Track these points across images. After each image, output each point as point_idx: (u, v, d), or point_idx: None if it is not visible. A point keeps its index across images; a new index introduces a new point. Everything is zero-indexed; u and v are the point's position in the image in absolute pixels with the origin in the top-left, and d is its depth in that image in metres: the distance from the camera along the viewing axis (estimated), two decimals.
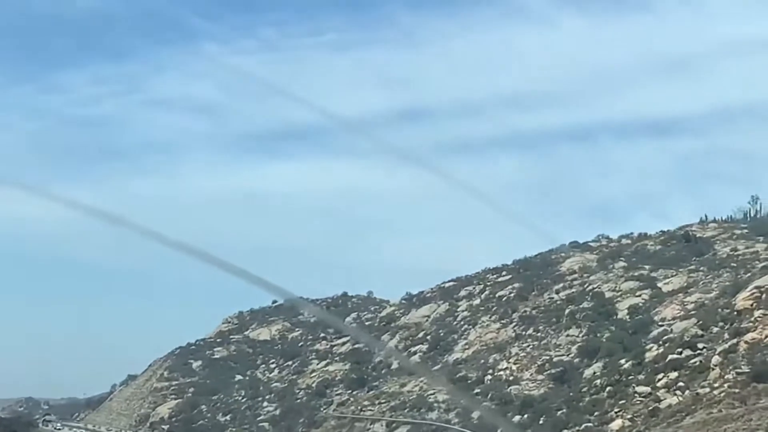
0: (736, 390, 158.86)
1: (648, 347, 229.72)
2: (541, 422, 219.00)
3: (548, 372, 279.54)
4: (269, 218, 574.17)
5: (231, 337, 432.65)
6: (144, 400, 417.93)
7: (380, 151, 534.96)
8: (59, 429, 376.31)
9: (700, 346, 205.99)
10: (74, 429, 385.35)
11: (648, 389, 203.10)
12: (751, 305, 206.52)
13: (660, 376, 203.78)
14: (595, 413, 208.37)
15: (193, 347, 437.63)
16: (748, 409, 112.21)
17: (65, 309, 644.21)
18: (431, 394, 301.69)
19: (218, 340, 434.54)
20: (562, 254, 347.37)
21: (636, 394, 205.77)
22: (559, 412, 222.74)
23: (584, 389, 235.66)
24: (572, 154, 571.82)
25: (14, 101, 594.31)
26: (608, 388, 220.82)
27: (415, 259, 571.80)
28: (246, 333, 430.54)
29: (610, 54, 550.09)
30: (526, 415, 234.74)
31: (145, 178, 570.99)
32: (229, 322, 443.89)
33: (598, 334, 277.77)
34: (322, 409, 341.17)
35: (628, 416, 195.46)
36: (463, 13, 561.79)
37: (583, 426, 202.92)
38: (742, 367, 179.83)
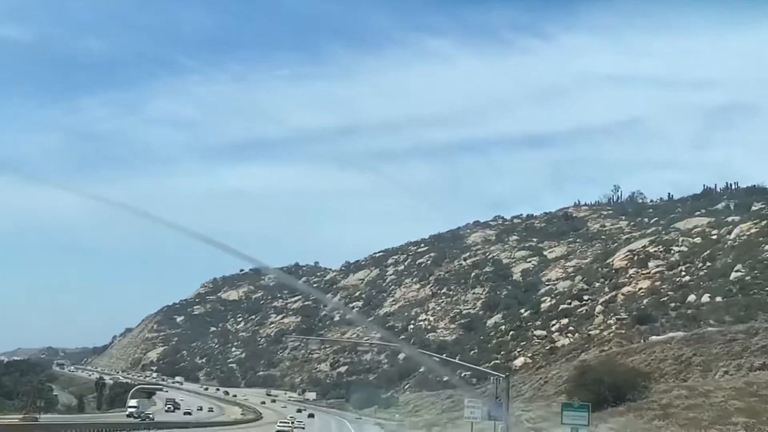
0: (623, 331, 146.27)
1: (542, 299, 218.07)
2: (457, 359, 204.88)
3: (459, 322, 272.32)
4: (238, 210, 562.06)
5: (207, 297, 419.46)
6: (137, 347, 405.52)
7: (325, 158, 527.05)
8: (70, 370, 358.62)
9: (585, 297, 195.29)
10: (79, 369, 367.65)
11: (544, 332, 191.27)
12: (626, 265, 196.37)
13: (553, 322, 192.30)
14: (502, 352, 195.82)
15: (177, 305, 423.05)
16: (648, 344, 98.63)
17: (78, 280, 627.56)
18: (366, 340, 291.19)
19: (197, 300, 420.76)
20: (468, 230, 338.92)
21: (535, 337, 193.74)
22: (472, 352, 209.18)
23: (491, 334, 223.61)
24: (470, 161, 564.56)
25: (44, 120, 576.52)
26: (511, 333, 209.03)
27: (352, 236, 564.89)
28: (219, 294, 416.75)
29: (497, 85, 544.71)
30: (444, 355, 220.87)
31: (142, 179, 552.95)
32: (206, 286, 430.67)
33: (498, 292, 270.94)
34: (278, 353, 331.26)
35: (529, 354, 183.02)
36: (386, 53, 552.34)
37: (492, 363, 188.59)
38: (622, 313, 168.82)
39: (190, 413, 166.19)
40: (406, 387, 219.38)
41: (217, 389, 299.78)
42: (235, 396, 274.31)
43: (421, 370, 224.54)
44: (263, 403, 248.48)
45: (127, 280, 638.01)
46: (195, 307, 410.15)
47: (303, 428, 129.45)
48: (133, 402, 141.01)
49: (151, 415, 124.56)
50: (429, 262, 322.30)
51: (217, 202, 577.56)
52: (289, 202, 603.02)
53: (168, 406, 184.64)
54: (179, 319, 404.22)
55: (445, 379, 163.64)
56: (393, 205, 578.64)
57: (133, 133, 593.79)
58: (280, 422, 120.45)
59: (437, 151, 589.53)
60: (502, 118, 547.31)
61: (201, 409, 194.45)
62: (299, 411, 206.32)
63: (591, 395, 61.03)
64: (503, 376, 51.12)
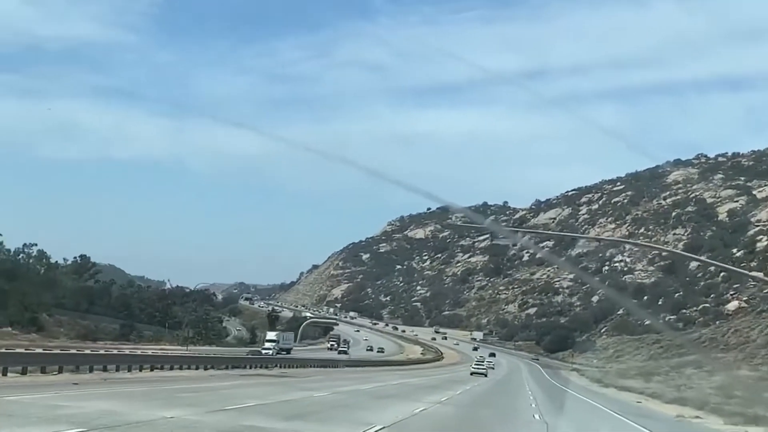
0: None
1: (757, 239, 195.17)
2: (660, 303, 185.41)
3: (658, 264, 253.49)
4: (426, 152, 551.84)
5: (393, 235, 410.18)
6: (323, 284, 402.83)
7: (513, 101, 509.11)
8: (260, 305, 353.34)
9: None
10: (269, 305, 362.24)
11: (761, 274, 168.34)
12: None
13: None
14: (711, 295, 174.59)
15: (363, 243, 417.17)
16: None
17: (270, 218, 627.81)
18: (556, 281, 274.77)
19: (383, 237, 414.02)
20: (668, 168, 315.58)
21: (750, 279, 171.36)
22: (676, 295, 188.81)
23: (698, 276, 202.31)
24: (662, 104, 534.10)
25: (237, 61, 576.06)
26: (722, 274, 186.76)
27: (541, 177, 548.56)
28: (405, 233, 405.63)
29: (692, 26, 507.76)
30: (645, 298, 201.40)
31: (333, 121, 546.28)
32: (392, 224, 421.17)
33: (701, 232, 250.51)
34: (464, 292, 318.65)
35: (744, 297, 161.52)
36: None
37: (700, 306, 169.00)
38: None
39: (345, 351, 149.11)
40: (602, 331, 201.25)
41: (386, 324, 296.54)
42: (404, 331, 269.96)
43: (619, 312, 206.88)
44: (433, 339, 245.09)
45: (316, 219, 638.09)
46: (381, 245, 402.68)
47: (493, 368, 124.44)
48: (272, 335, 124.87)
49: (271, 351, 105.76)
50: (625, 201, 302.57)
51: (405, 145, 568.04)
52: (477, 145, 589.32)
53: (331, 342, 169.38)
54: (365, 256, 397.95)
55: (647, 322, 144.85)
56: (582, 147, 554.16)
57: (325, 75, 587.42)
58: (475, 364, 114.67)
59: (628, 94, 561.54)
60: (695, 60, 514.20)
61: (370, 350, 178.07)
62: (475, 349, 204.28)
63: None
64: None
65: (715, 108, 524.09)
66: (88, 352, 57.91)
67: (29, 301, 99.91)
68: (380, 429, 23.90)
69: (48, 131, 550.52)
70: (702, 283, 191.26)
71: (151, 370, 50.52)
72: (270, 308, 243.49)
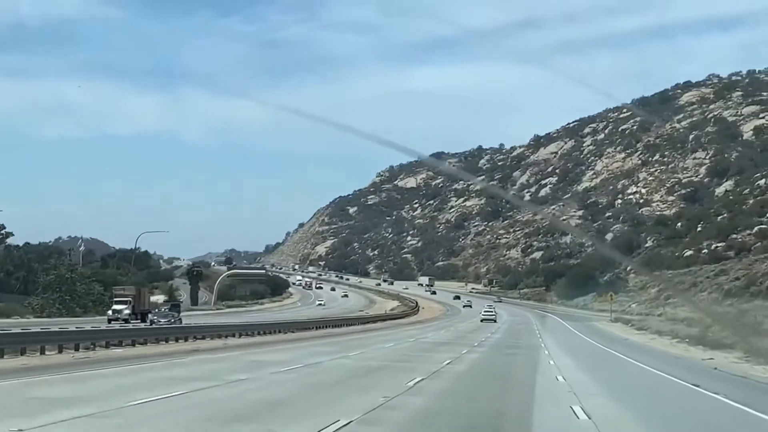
0: None
1: None
2: (699, 230, 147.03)
3: (679, 192, 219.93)
4: (418, 109, 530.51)
5: (382, 186, 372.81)
6: (307, 242, 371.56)
7: (505, 54, 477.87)
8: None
9: None
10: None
11: None
12: None
13: None
14: (766, 215, 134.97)
15: (350, 196, 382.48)
16: None
17: (255, 181, 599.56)
18: (563, 219, 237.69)
19: (371, 189, 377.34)
20: (678, 90, 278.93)
21: None
22: (719, 218, 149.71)
23: (746, 191, 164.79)
24: (656, 48, 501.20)
25: (225, 30, 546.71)
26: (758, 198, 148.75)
27: (537, 117, 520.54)
28: (395, 182, 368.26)
29: None
30: (679, 225, 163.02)
31: (325, 84, 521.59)
32: (382, 175, 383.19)
33: (726, 154, 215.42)
34: (460, 239, 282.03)
35: None
36: None
37: (755, 229, 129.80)
38: None
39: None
40: (629, 269, 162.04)
41: (336, 275, 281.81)
42: (347, 279, 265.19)
43: (647, 245, 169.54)
44: (379, 284, 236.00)
45: (305, 176, 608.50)
46: (369, 197, 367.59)
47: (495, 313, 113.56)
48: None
49: None
50: (635, 127, 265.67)
51: (398, 103, 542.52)
52: (466, 99, 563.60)
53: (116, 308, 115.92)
54: (352, 210, 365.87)
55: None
56: (579, 96, 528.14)
57: (314, 38, 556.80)
58: (485, 311, 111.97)
59: (621, 40, 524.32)
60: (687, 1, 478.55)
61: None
62: (433, 293, 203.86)
63: None
64: None
65: (708, 48, 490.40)
66: None
67: None
68: None
69: (37, 111, 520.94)
70: (752, 201, 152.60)
71: None
72: (190, 264, 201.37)
